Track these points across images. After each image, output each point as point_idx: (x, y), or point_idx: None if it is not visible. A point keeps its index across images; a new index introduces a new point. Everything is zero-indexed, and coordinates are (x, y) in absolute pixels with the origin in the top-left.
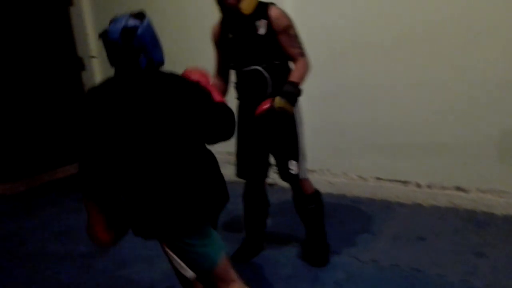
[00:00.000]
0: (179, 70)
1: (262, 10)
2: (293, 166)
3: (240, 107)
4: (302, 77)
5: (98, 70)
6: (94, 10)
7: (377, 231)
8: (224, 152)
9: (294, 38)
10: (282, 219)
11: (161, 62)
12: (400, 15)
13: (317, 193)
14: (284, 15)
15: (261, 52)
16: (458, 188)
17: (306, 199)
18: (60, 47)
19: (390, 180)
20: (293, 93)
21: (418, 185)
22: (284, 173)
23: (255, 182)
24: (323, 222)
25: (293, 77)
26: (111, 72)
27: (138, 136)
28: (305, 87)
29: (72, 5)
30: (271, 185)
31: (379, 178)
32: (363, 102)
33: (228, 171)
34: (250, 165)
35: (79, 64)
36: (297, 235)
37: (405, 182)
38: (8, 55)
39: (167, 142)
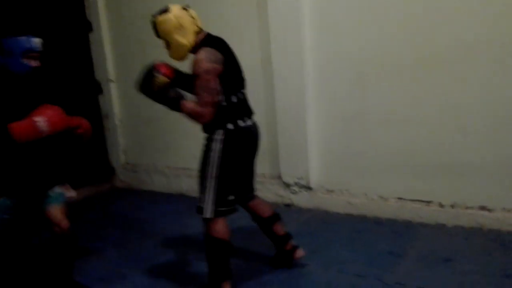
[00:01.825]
0: None
1: (197, 51)
2: (200, 200)
3: None
4: (188, 107)
5: (115, 93)
6: (112, 36)
7: (401, 252)
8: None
9: (200, 87)
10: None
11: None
12: (424, 36)
13: (218, 242)
14: (201, 62)
15: (191, 90)
16: (483, 208)
17: (206, 239)
18: (79, 71)
19: (412, 200)
20: (168, 92)
21: (441, 205)
22: None
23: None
24: (218, 269)
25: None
26: (128, 95)
27: None
28: (325, 107)
29: (92, 31)
30: (287, 205)
31: (400, 198)
32: (384, 122)
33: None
34: None
35: (97, 88)
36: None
37: (427, 202)
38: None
39: None
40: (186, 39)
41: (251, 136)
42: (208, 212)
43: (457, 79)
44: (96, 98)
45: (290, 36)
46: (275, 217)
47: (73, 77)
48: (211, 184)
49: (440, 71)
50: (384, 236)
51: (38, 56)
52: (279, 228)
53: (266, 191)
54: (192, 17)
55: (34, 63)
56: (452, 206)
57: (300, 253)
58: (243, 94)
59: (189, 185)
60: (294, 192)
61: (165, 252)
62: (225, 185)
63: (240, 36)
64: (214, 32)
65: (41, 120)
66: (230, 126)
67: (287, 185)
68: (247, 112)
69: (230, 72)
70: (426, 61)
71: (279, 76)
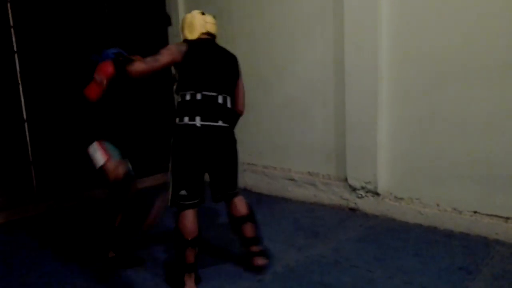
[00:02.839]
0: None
1: None
2: None
3: None
4: (132, 66)
5: None
6: None
7: (473, 269)
8: (305, 172)
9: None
10: (366, 246)
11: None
12: (508, 39)
13: (178, 234)
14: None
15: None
16: None
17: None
18: None
19: (488, 215)
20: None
21: None
22: None
23: None
24: (179, 259)
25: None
26: None
27: None
28: (398, 108)
29: (171, 25)
30: (352, 209)
31: (476, 212)
32: (461, 127)
33: (309, 192)
34: None
35: (172, 81)
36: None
37: (506, 218)
38: None
39: None
40: (191, 35)
41: (197, 135)
42: (169, 202)
43: None
44: (171, 90)
45: (366, 34)
46: (247, 218)
47: None
48: (169, 176)
49: None
50: (455, 250)
51: None
52: (248, 230)
53: (331, 193)
54: (206, 21)
55: None
56: None
57: (259, 261)
58: (206, 96)
59: (254, 180)
60: (360, 197)
61: (227, 242)
62: (176, 179)
63: (313, 31)
64: (285, 27)
65: (96, 75)
66: (177, 120)
67: (353, 189)
68: (204, 112)
69: (190, 70)
70: (509, 64)
71: (351, 75)
